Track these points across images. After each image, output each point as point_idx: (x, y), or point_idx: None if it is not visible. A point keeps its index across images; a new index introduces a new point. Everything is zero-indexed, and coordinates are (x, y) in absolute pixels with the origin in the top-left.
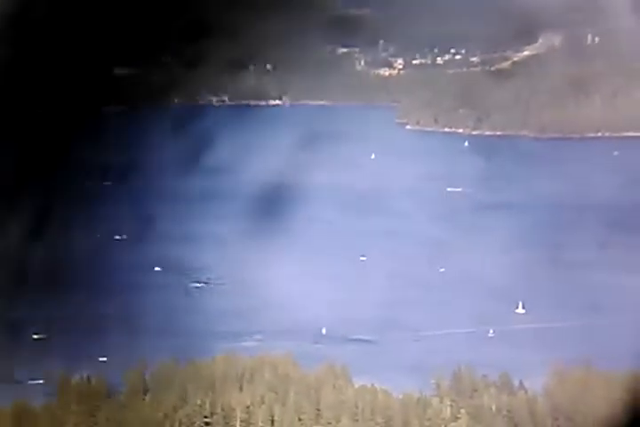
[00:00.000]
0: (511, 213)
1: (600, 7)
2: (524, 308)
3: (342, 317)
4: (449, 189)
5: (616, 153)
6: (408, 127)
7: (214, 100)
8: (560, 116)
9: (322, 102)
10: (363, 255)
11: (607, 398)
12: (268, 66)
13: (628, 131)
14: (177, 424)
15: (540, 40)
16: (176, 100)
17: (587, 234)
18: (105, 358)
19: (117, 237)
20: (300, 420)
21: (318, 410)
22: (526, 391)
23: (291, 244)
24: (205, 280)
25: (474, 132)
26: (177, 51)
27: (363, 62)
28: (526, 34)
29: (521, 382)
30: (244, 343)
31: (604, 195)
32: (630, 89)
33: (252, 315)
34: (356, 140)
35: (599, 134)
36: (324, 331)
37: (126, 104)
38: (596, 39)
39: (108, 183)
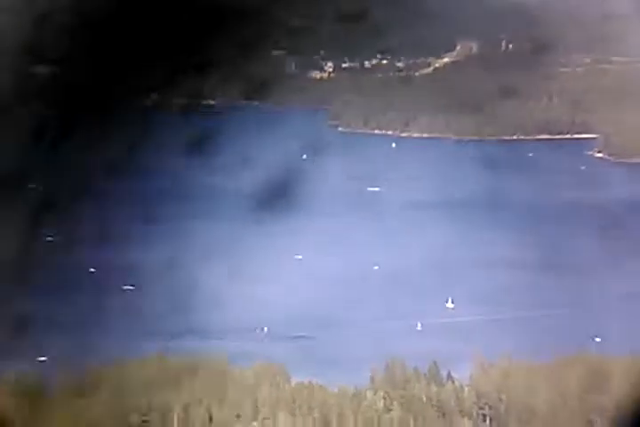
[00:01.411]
0: (433, 212)
1: (514, 13)
2: (453, 302)
3: (283, 315)
4: (369, 189)
5: (531, 155)
6: (340, 129)
7: (148, 100)
8: (479, 120)
9: (255, 103)
10: (297, 254)
11: (528, 386)
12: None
13: (541, 134)
14: (113, 423)
15: (458, 47)
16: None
17: (507, 233)
18: (44, 358)
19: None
20: (237, 417)
21: (256, 407)
22: (454, 382)
23: (224, 244)
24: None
25: (402, 135)
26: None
27: (294, 66)
28: (445, 41)
29: (449, 373)
30: (183, 342)
31: (520, 195)
32: (543, 94)
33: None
34: (289, 141)
35: (514, 137)
36: (265, 329)
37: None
38: (510, 46)
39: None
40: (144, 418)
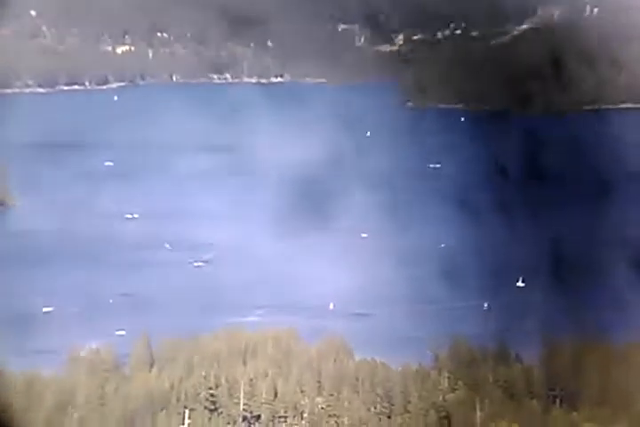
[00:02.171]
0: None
1: None
2: (523, 281)
3: (349, 293)
4: (430, 166)
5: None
6: (410, 104)
7: (215, 77)
8: (555, 91)
9: (322, 80)
10: (363, 233)
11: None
12: (269, 43)
13: (624, 103)
14: (182, 396)
15: (539, 13)
16: (174, 78)
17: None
18: (123, 332)
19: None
20: (302, 392)
21: (320, 383)
22: (522, 362)
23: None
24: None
25: (476, 109)
26: (178, 27)
27: (363, 39)
28: (525, 7)
29: (517, 354)
30: (250, 318)
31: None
32: (630, 62)
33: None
34: (355, 120)
35: (596, 107)
36: (331, 306)
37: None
38: (595, 10)
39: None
40: (212, 392)
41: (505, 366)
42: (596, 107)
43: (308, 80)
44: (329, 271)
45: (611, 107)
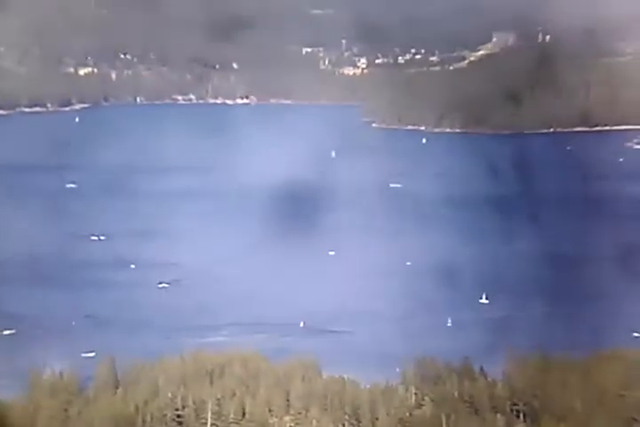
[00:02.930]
0: (461, 208)
1: (550, 6)
2: (487, 298)
3: (316, 310)
4: (391, 186)
5: (569, 148)
6: (374, 125)
7: (180, 98)
8: (515, 113)
9: (288, 102)
10: (330, 250)
11: (564, 382)
12: (235, 65)
13: (578, 126)
14: (148, 417)
15: (494, 39)
16: (138, 100)
17: (540, 226)
18: (92, 354)
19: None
20: (270, 411)
21: (288, 401)
22: (486, 377)
23: (258, 238)
24: (175, 278)
25: (435, 130)
26: (141, 48)
27: (327, 62)
28: (481, 33)
29: (482, 369)
30: (219, 338)
31: (555, 186)
32: (584, 86)
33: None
34: (322, 139)
35: (551, 130)
36: (301, 324)
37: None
38: (547, 37)
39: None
40: (178, 413)
41: (470, 380)
42: (550, 129)
43: (273, 101)
44: (298, 289)
45: (564, 130)
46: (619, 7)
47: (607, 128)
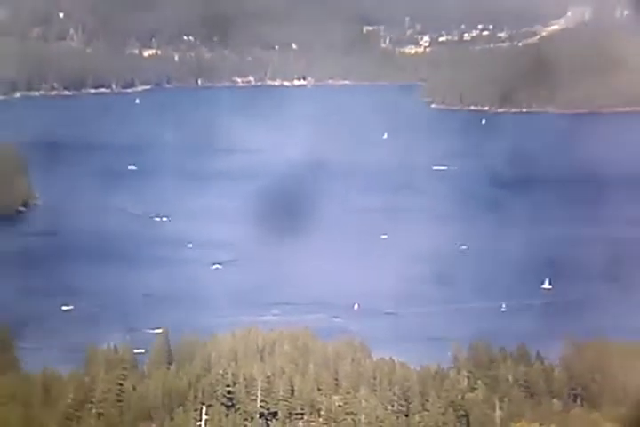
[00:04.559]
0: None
1: None
2: (550, 283)
3: (371, 292)
4: (434, 168)
5: None
6: (433, 106)
7: (239, 80)
8: (587, 92)
9: (346, 82)
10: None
11: (623, 366)
12: (294, 45)
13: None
14: (200, 393)
15: (569, 13)
16: (199, 82)
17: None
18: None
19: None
20: (319, 390)
21: (337, 381)
22: (542, 362)
23: (311, 221)
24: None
25: (499, 110)
26: (202, 31)
27: (388, 40)
28: (555, 7)
29: (538, 353)
30: (269, 317)
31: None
32: None
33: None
34: (376, 120)
35: (627, 109)
36: (356, 306)
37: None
38: (625, 12)
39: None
40: (229, 389)
41: (525, 365)
42: (627, 108)
43: (332, 82)
44: (352, 272)
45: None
46: None
47: None
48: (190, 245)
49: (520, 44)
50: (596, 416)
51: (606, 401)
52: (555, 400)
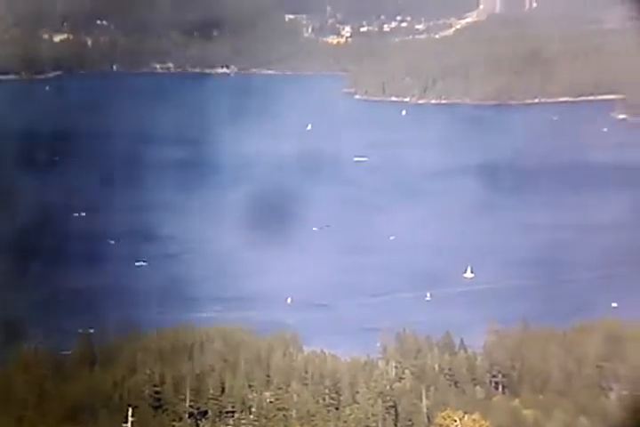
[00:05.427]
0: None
1: None
2: (472, 272)
3: (301, 284)
4: (355, 159)
5: (555, 118)
6: (357, 97)
7: (158, 67)
8: (499, 84)
9: (269, 71)
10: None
11: (543, 354)
12: (214, 32)
13: (564, 96)
14: (126, 394)
15: (481, 6)
16: (115, 67)
17: (526, 196)
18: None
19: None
20: (250, 387)
21: (269, 376)
22: (466, 350)
23: (244, 214)
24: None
25: (420, 101)
26: (117, 15)
27: (310, 29)
28: (467, 0)
29: (462, 342)
30: (202, 314)
31: (544, 156)
32: (567, 57)
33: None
34: (300, 111)
35: (536, 100)
36: (289, 300)
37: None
38: (534, 4)
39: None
40: (156, 389)
41: (450, 354)
42: (536, 100)
43: (255, 71)
44: (283, 265)
45: (549, 100)
46: None
47: (591, 98)
48: (112, 242)
49: (437, 35)
50: (515, 403)
51: (525, 388)
52: (478, 388)
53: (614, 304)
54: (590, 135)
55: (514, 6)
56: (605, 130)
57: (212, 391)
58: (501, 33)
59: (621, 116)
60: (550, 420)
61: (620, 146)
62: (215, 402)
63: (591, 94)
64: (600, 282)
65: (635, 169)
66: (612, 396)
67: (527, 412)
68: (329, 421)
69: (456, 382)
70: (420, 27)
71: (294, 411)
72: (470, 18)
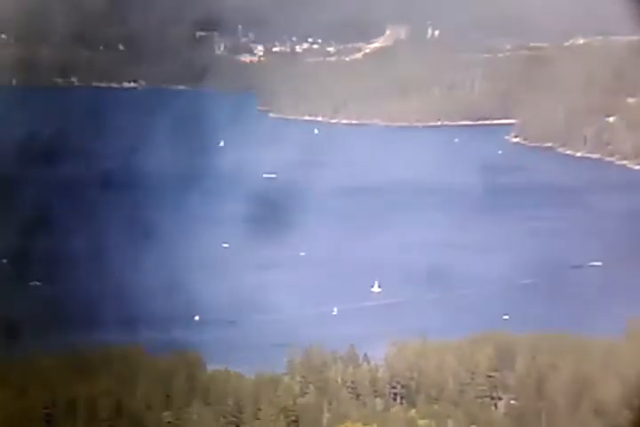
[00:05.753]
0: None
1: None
2: (379, 286)
3: (206, 302)
4: (265, 176)
5: (457, 140)
6: (271, 115)
7: (60, 81)
8: (406, 106)
9: (180, 87)
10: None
11: (439, 365)
12: (121, 46)
13: (464, 120)
14: (16, 418)
15: (388, 32)
16: (14, 81)
17: (427, 215)
18: None
19: None
20: (149, 408)
21: (168, 397)
22: (369, 363)
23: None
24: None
25: (332, 121)
26: (17, 28)
27: (223, 47)
28: (375, 26)
29: (365, 355)
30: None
31: (444, 179)
32: (465, 81)
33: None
34: (213, 128)
35: (439, 123)
36: (196, 318)
37: None
38: (436, 33)
39: None
40: (47, 411)
41: (354, 367)
42: (438, 122)
43: (165, 86)
44: (192, 282)
45: (451, 123)
46: (501, 4)
47: (488, 122)
48: None
49: (347, 58)
50: (412, 414)
51: (422, 399)
52: (378, 400)
53: (506, 317)
54: (488, 157)
55: (417, 34)
56: (500, 152)
57: (106, 413)
58: (408, 58)
59: (515, 140)
60: None
61: (512, 168)
62: (109, 424)
63: (487, 119)
64: (494, 294)
65: (519, 189)
66: (501, 405)
67: (422, 422)
68: None
69: (358, 395)
70: (330, 49)
71: None
72: (377, 43)
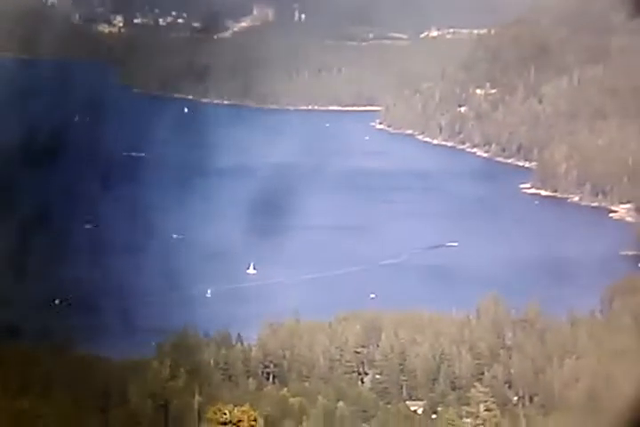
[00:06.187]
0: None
1: None
2: (255, 268)
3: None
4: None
5: (328, 125)
6: (135, 91)
7: None
8: (277, 89)
9: (23, 56)
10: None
11: (310, 343)
12: None
13: (333, 105)
14: None
15: (255, 12)
16: None
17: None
18: None
19: None
20: (5, 394)
21: (27, 383)
22: (242, 343)
23: None
24: None
25: (203, 100)
26: None
27: (78, 16)
28: (243, 5)
29: (239, 336)
30: None
31: (315, 163)
32: (333, 66)
33: None
34: (71, 102)
35: (310, 107)
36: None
37: None
38: (302, 16)
39: None
40: None
41: (227, 348)
42: (309, 107)
43: (23, 56)
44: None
45: (322, 108)
46: None
47: (355, 108)
48: None
49: (215, 36)
50: (284, 392)
51: (294, 377)
52: (251, 380)
53: (372, 295)
54: (356, 142)
55: (285, 16)
56: (367, 138)
57: None
58: (277, 40)
59: (379, 127)
60: (314, 406)
61: (375, 153)
62: None
63: (354, 105)
64: (361, 274)
65: (381, 174)
66: (367, 380)
67: (294, 400)
68: (92, 424)
69: (230, 376)
70: (197, 25)
71: (53, 417)
72: (245, 22)
